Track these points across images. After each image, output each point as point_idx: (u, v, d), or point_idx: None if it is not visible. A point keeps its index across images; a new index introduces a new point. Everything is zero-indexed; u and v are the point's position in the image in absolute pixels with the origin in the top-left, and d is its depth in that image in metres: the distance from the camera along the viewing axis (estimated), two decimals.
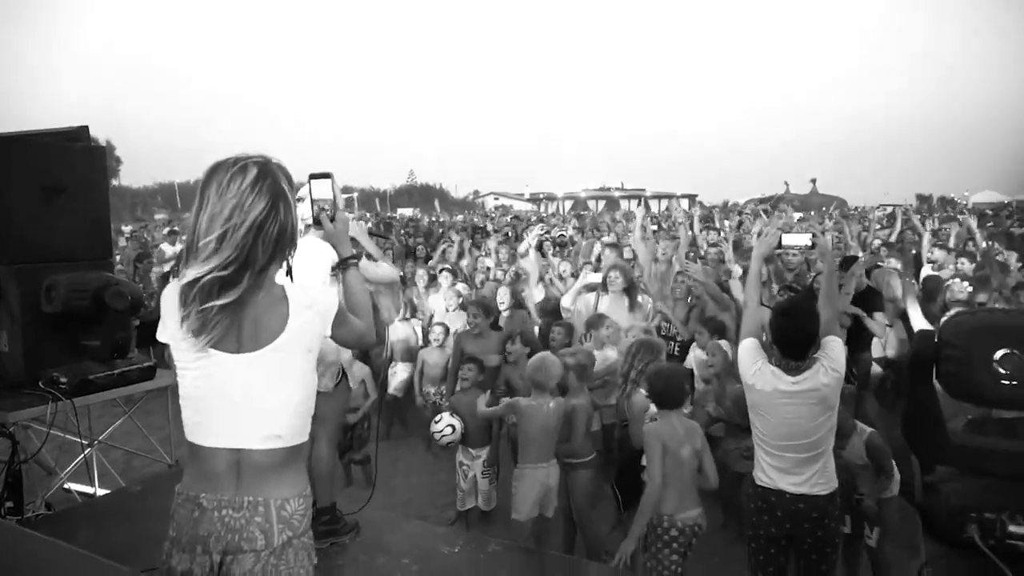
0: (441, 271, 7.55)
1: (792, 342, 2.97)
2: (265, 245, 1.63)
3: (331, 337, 1.86)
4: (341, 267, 2.14)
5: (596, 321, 5.45)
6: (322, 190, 2.26)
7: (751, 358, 3.06)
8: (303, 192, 3.59)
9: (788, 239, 3.34)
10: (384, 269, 3.74)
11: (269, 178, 1.66)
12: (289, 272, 2.28)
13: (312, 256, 3.63)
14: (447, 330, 6.38)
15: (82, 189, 4.49)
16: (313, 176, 2.29)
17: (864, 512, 3.73)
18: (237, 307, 1.61)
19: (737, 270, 5.81)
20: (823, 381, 2.91)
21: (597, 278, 5.88)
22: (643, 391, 4.17)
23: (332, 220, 2.19)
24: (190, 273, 1.58)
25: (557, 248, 9.54)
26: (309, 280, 4.03)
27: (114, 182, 57.17)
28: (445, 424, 4.75)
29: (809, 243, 3.28)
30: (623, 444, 4.58)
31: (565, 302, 6.10)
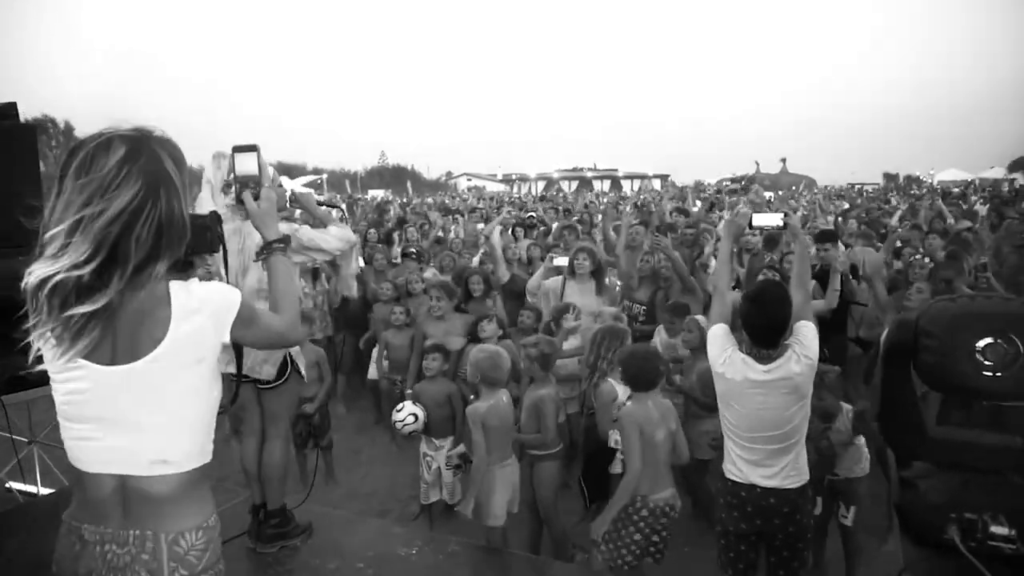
0: (404, 255, 7.32)
1: (763, 329, 2.83)
2: (140, 239, 1.35)
3: (235, 341, 1.59)
4: (265, 252, 1.88)
5: (561, 311, 5.29)
6: (246, 164, 2.03)
7: (720, 345, 2.91)
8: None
9: (759, 219, 3.18)
10: (335, 235, 3.51)
11: (143, 157, 1.38)
12: (225, 263, 2.06)
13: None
14: (408, 311, 6.18)
15: (5, 170, 4.17)
16: (237, 149, 2.05)
17: (838, 489, 3.67)
18: (109, 313, 1.36)
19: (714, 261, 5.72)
20: (795, 370, 2.78)
21: (564, 261, 5.70)
22: (611, 380, 4.03)
23: (256, 199, 1.96)
24: (36, 271, 1.32)
25: (527, 230, 9.34)
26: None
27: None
28: (407, 413, 4.56)
29: (780, 223, 3.13)
30: (589, 434, 4.44)
31: (531, 285, 5.91)
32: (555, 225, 9.38)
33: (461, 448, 4.12)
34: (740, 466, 2.93)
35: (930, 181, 35.23)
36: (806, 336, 2.84)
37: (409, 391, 5.01)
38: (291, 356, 3.42)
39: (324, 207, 4.48)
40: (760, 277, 5.09)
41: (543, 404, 3.91)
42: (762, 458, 2.87)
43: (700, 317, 4.59)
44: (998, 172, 34.47)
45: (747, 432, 2.89)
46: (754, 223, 3.18)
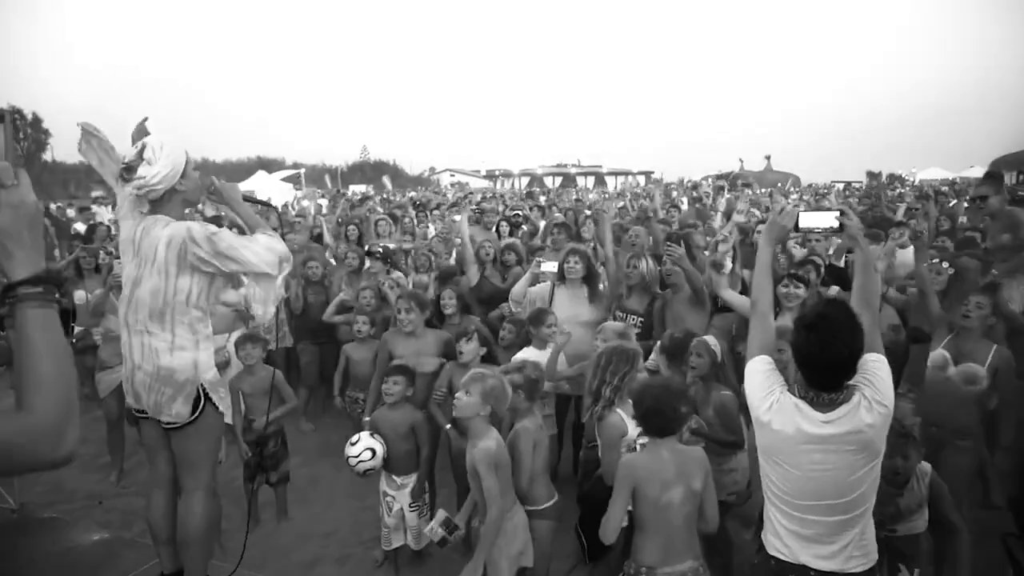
0: (369, 254, 6.56)
1: (824, 367, 2.13)
2: None
3: None
4: (8, 301, 1.09)
5: (538, 317, 4.60)
6: None
7: (764, 385, 2.21)
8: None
9: (807, 219, 2.49)
10: (264, 245, 2.78)
11: None
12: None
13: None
14: (374, 323, 5.44)
15: None
16: None
17: (897, 548, 2.99)
18: None
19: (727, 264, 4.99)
20: (866, 420, 2.08)
21: (553, 266, 4.98)
22: (619, 411, 3.33)
23: None
24: None
25: (512, 228, 8.59)
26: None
27: (45, 157, 53.70)
28: (363, 448, 3.84)
29: (836, 224, 2.44)
30: (587, 471, 3.74)
31: (515, 293, 5.19)
32: (543, 223, 8.61)
33: (442, 514, 3.34)
34: (787, 541, 2.24)
35: (912, 180, 35.04)
36: (877, 375, 2.15)
37: (367, 419, 4.26)
38: (204, 387, 2.69)
39: (259, 206, 3.74)
40: (784, 289, 4.38)
41: (516, 440, 3.23)
42: (818, 533, 2.18)
43: (710, 339, 3.90)
44: (979, 171, 34.38)
45: (798, 499, 2.20)
46: (801, 224, 2.49)
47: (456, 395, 3.14)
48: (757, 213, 8.98)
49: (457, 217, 9.38)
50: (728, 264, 4.76)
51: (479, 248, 6.45)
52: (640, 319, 4.90)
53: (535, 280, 5.21)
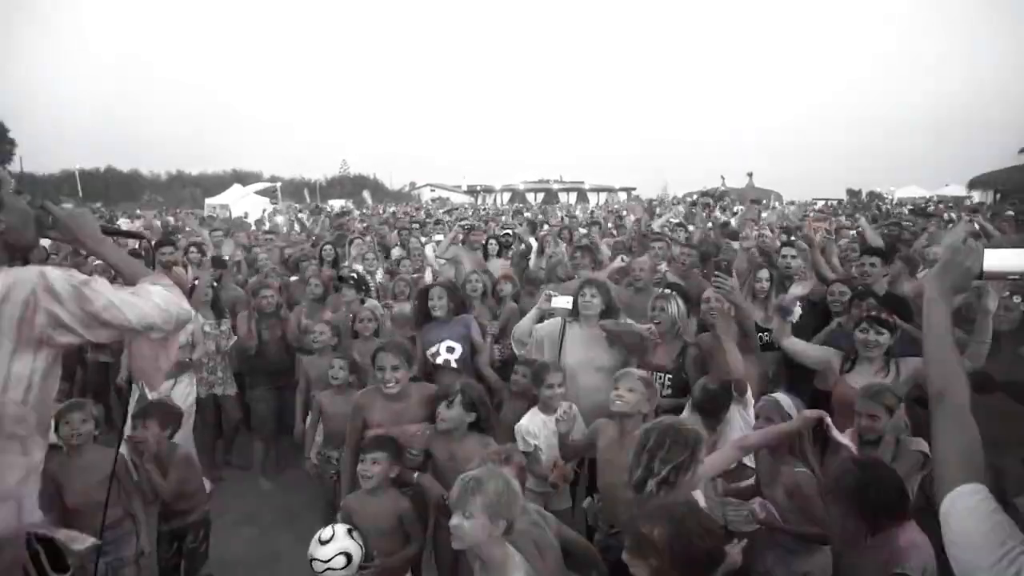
0: (341, 279, 5.62)
1: None
2: None
3: None
4: None
5: (537, 374, 3.75)
6: None
7: (991, 537, 1.32)
8: None
9: (998, 259, 1.62)
10: (160, 299, 1.81)
11: None
12: None
13: None
14: (354, 363, 4.50)
15: None
16: None
17: None
18: None
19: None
20: None
21: (564, 300, 4.07)
22: None
23: None
24: None
25: (501, 248, 7.68)
26: None
27: (8, 167, 51.81)
28: (336, 551, 2.91)
29: None
30: (610, 560, 2.82)
31: (520, 331, 4.28)
32: (534, 241, 7.62)
33: None
34: None
35: (891, 198, 34.88)
36: None
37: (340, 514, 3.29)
38: (37, 542, 1.73)
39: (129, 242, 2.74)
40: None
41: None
42: None
43: (783, 398, 3.04)
44: (955, 189, 34.26)
45: None
46: (988, 265, 1.62)
47: (452, 520, 2.21)
48: (769, 234, 8.10)
49: (439, 238, 8.47)
50: (797, 311, 3.89)
51: (465, 281, 5.56)
52: (669, 376, 4.00)
53: (542, 316, 4.31)
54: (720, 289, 3.68)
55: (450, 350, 4.32)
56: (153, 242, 6.26)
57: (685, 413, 3.69)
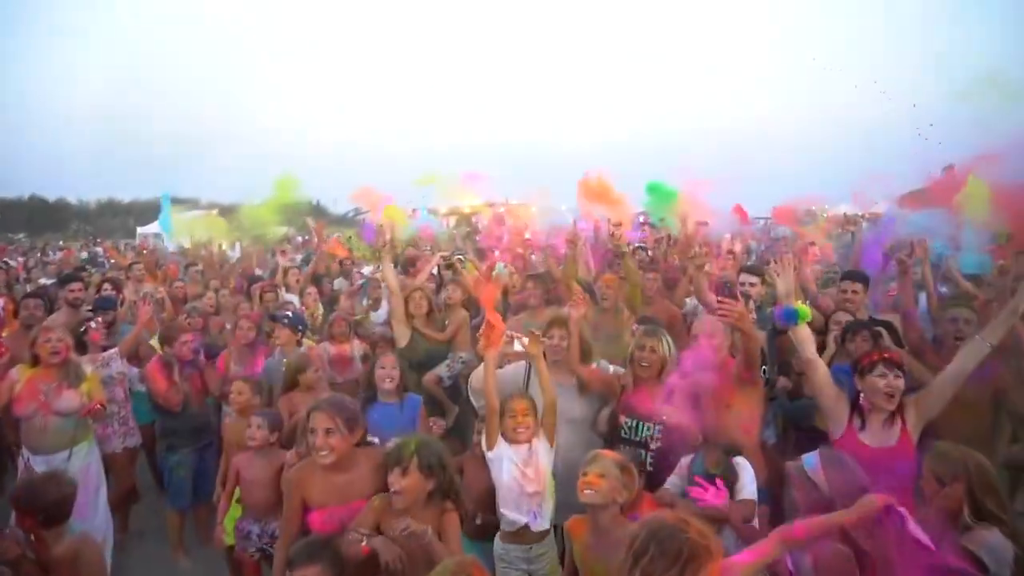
0: (273, 318, 4.99)
1: None
2: None
3: None
4: None
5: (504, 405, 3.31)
6: None
7: None
8: None
9: None
10: None
11: None
12: None
13: None
14: (278, 423, 3.87)
15: None
16: None
17: None
18: None
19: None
20: None
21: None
22: None
23: None
24: None
25: (455, 274, 7.05)
26: None
27: None
28: None
29: None
30: None
31: (476, 380, 3.73)
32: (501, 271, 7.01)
33: None
34: None
35: (824, 215, 35.59)
36: None
37: None
38: None
39: None
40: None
41: None
42: None
43: (808, 461, 2.59)
44: (885, 207, 35.24)
45: None
46: None
47: None
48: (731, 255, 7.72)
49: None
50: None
51: (407, 299, 5.07)
52: (659, 427, 3.52)
53: (502, 362, 3.78)
54: (726, 316, 3.16)
55: None
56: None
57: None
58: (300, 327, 4.98)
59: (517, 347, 3.43)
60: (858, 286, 4.51)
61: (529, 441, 3.27)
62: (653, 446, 3.45)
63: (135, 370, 4.77)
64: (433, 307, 5.25)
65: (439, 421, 4.15)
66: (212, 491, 4.23)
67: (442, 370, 4.74)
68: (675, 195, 7.98)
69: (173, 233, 11.03)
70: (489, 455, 3.27)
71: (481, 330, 3.33)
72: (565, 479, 3.24)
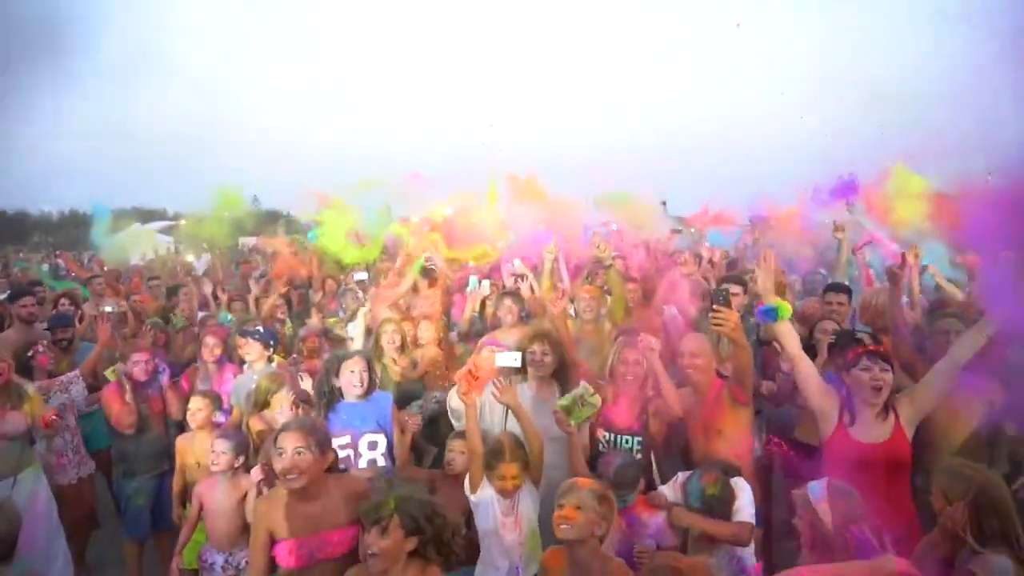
0: (244, 333, 4.74)
1: None
2: None
3: None
4: None
5: (491, 458, 3.10)
6: None
7: None
8: None
9: None
10: None
11: None
12: None
13: None
14: (244, 446, 3.65)
15: None
16: None
17: None
18: None
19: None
20: None
21: (510, 357, 3.38)
22: None
23: None
24: None
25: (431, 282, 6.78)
26: None
27: None
28: None
29: None
30: None
31: (455, 402, 3.56)
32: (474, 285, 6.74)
33: None
34: None
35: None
36: None
37: None
38: None
39: None
40: None
41: None
42: None
43: (813, 489, 2.47)
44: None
45: None
46: None
47: None
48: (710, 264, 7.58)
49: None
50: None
51: (380, 334, 4.81)
52: (639, 439, 3.39)
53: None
54: (721, 326, 3.02)
55: (372, 446, 3.51)
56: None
57: (667, 489, 3.11)
58: (271, 343, 4.76)
59: (501, 362, 3.27)
60: (843, 297, 4.47)
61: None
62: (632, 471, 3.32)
63: (81, 392, 4.45)
64: (406, 341, 4.96)
65: (415, 415, 3.89)
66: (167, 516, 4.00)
67: (414, 409, 4.49)
68: (627, 199, 7.99)
69: (100, 248, 10.49)
70: (472, 499, 3.09)
71: (460, 374, 3.11)
72: (547, 501, 3.08)
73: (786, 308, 3.10)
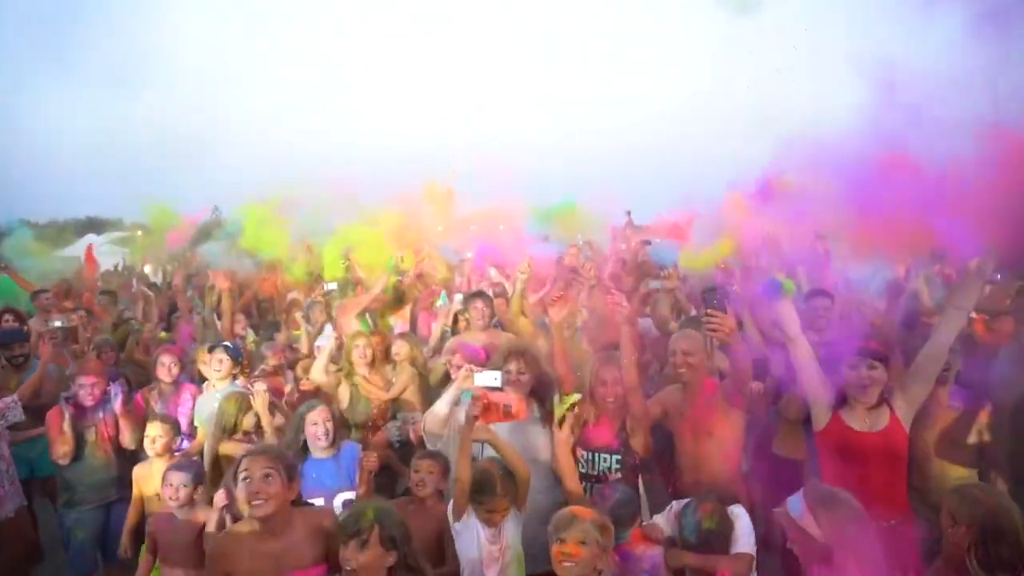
0: (216, 349, 4.47)
1: None
2: None
3: None
4: None
5: (479, 495, 2.87)
6: None
7: None
8: None
9: None
10: None
11: None
12: None
13: None
14: (201, 476, 3.41)
15: None
16: None
17: None
18: None
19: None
20: None
21: (490, 377, 3.22)
22: None
23: None
24: None
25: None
26: None
27: None
28: None
29: None
30: None
31: (430, 421, 3.37)
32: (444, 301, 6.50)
33: None
34: None
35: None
36: None
37: None
38: None
39: None
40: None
41: None
42: None
43: (792, 504, 2.35)
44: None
45: None
46: None
47: None
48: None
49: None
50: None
51: (353, 347, 4.57)
52: (617, 457, 3.27)
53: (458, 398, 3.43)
54: (716, 331, 2.90)
55: (347, 505, 3.30)
56: None
57: (662, 519, 2.98)
58: (239, 359, 4.51)
59: (480, 382, 3.13)
60: (827, 301, 4.38)
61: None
62: (613, 479, 3.22)
63: (18, 416, 4.12)
64: (377, 357, 4.71)
65: (370, 455, 3.75)
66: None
67: (392, 432, 4.28)
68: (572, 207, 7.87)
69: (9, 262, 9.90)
70: (456, 526, 2.92)
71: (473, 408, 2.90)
72: (529, 523, 2.94)
73: (790, 286, 3.02)
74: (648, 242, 9.27)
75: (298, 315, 6.11)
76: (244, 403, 3.85)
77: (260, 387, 3.83)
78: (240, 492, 2.47)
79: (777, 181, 4.10)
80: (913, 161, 2.68)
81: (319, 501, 3.21)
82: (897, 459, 2.89)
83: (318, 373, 4.44)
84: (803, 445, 3.67)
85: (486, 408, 2.87)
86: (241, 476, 2.46)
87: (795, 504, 2.28)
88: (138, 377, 5.00)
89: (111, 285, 9.52)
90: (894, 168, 2.73)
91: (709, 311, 2.91)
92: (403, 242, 6.38)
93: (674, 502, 2.96)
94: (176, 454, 3.83)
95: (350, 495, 3.38)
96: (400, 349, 4.87)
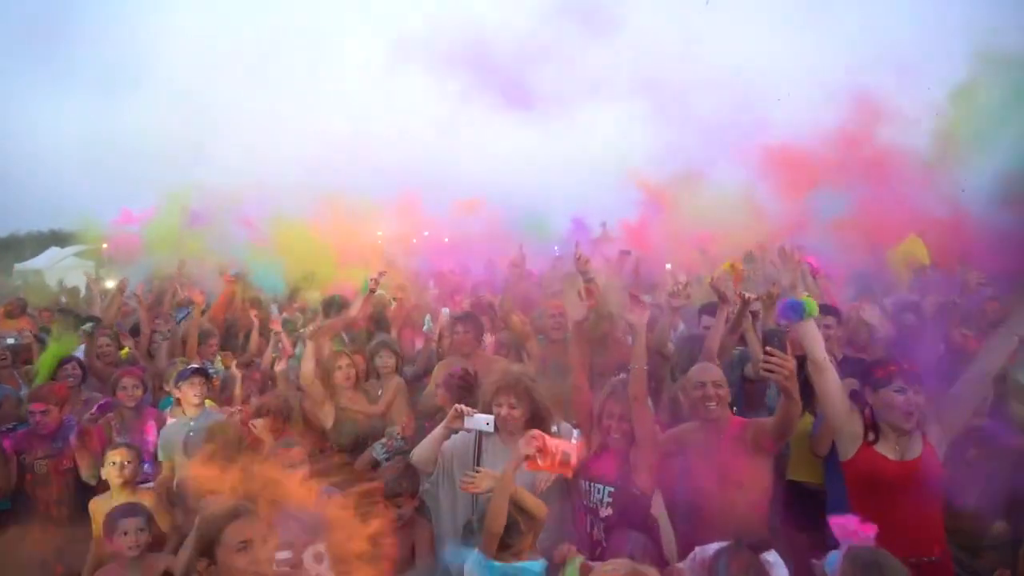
0: (192, 373, 4.13)
1: None
2: None
3: None
4: None
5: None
6: None
7: None
8: None
9: None
10: None
11: None
12: None
13: None
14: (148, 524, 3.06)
15: None
16: None
17: None
18: None
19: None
20: None
21: (483, 420, 2.94)
22: None
23: None
24: None
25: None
26: None
27: None
28: None
29: None
30: None
31: (420, 455, 3.08)
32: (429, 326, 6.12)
33: None
34: None
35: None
36: None
37: None
38: None
39: None
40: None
41: None
42: None
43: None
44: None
45: None
46: None
47: None
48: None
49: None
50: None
51: (336, 368, 4.27)
52: (610, 490, 3.04)
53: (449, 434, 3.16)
54: (773, 372, 2.65)
55: (319, 558, 3.01)
56: None
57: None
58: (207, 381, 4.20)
59: (470, 424, 2.89)
60: (831, 319, 4.20)
61: None
62: (603, 513, 3.00)
63: None
64: (360, 376, 4.44)
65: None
66: None
67: (377, 451, 4.01)
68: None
69: None
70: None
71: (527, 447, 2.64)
72: None
73: (813, 305, 2.78)
74: (628, 252, 9.10)
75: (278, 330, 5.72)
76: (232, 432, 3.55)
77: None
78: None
79: None
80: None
81: (286, 555, 2.91)
82: (931, 490, 2.69)
83: (307, 379, 4.16)
84: (819, 470, 3.46)
85: (541, 451, 2.60)
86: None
87: (832, 563, 2.07)
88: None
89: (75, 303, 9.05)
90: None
91: (768, 351, 2.69)
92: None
93: (697, 548, 2.71)
94: (141, 486, 3.53)
95: (320, 547, 3.00)
96: (387, 361, 4.61)
